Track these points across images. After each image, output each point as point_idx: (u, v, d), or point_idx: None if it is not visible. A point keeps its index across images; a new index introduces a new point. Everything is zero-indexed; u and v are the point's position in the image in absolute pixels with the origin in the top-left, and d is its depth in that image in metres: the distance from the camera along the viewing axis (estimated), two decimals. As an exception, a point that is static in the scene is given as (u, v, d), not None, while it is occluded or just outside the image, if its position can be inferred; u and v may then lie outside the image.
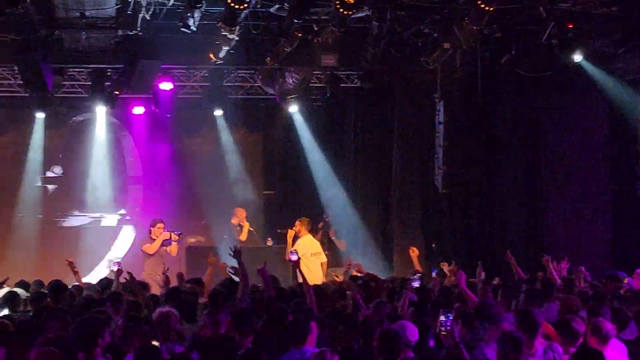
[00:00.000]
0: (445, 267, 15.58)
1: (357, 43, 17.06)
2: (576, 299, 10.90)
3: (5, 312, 11.62)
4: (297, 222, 17.90)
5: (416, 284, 12.02)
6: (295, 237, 17.62)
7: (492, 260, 17.90)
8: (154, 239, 17.59)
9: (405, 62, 17.92)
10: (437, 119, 18.00)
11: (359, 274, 14.81)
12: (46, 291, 12.17)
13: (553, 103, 19.60)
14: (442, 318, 8.53)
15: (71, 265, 13.45)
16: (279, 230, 18.89)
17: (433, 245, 19.96)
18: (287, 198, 21.75)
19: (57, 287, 12.09)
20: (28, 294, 12.59)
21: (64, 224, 21.25)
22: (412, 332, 8.64)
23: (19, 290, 12.83)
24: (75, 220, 21.38)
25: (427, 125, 19.31)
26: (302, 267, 16.81)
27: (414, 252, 15.96)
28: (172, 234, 17.70)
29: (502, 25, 16.60)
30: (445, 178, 17.88)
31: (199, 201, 21.62)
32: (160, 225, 17.77)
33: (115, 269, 13.05)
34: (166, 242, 17.64)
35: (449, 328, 8.38)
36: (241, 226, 19.26)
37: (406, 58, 17.69)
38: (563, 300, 10.91)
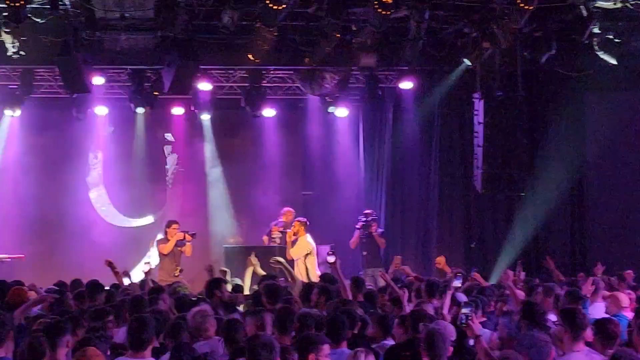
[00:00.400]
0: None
1: (396, 43, 17.01)
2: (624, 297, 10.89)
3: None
4: (296, 223, 18.12)
5: (457, 283, 11.93)
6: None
7: (534, 260, 17.79)
8: (169, 240, 17.90)
9: (444, 61, 17.84)
10: (477, 118, 17.87)
11: (409, 275, 14.76)
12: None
13: (595, 102, 19.44)
14: (465, 310, 8.47)
15: (111, 265, 13.47)
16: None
17: (472, 245, 19.87)
18: (326, 198, 21.72)
19: (95, 286, 12.15)
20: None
21: (105, 224, 21.38)
22: (451, 332, 8.61)
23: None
24: (116, 219, 21.52)
25: (466, 125, 19.23)
26: (301, 266, 17.18)
27: (441, 261, 15.89)
28: (186, 234, 17.99)
29: (542, 24, 16.46)
30: (485, 178, 17.75)
31: (237, 202, 21.69)
32: (175, 226, 18.09)
33: (147, 269, 13.16)
34: (180, 243, 17.90)
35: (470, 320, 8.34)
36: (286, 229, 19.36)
37: (445, 57, 17.61)
38: (611, 296, 10.92)
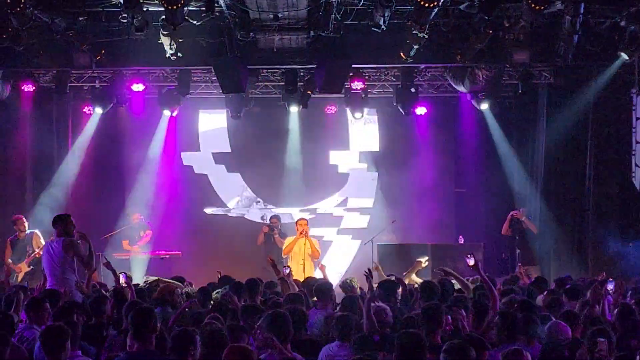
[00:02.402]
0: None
1: (549, 38, 16.73)
2: None
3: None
4: (303, 222, 18.01)
5: (611, 287, 11.69)
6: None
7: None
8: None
9: (600, 56, 17.44)
10: (634, 114, 17.42)
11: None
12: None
13: None
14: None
15: (273, 263, 13.66)
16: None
17: (630, 245, 19.35)
18: (478, 196, 21.56)
19: (254, 284, 12.33)
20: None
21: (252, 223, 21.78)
22: (565, 332, 8.62)
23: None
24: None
25: (623, 122, 18.75)
26: (307, 266, 17.06)
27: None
28: (268, 228, 19.37)
29: None
30: (644, 176, 17.30)
31: (390, 199, 21.79)
32: (273, 220, 19.69)
33: (287, 272, 13.32)
34: (267, 236, 19.33)
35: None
36: None
37: (601, 52, 17.21)
38: None
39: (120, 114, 20.83)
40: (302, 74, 18.98)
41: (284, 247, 17.95)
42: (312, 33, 16.36)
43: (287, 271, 13.30)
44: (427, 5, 14.06)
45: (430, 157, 21.68)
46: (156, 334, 7.84)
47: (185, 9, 14.27)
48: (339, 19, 15.72)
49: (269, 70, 19.40)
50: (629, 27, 16.00)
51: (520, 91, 19.09)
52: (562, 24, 15.62)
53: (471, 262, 10.98)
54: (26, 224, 18.02)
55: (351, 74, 18.14)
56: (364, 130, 22.12)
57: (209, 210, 21.92)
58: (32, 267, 17.55)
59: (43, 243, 17.05)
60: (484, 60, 17.46)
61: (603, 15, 16.02)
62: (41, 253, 16.22)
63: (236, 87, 17.40)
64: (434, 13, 14.66)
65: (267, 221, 20.11)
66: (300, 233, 17.67)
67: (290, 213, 21.54)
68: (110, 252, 18.97)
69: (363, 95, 19.99)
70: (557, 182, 20.32)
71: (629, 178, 18.13)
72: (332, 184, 22.20)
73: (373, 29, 15.64)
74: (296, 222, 18.29)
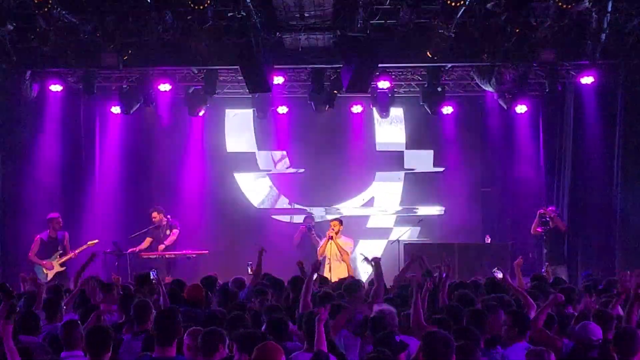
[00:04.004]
0: None
1: (576, 37, 16.64)
2: None
3: None
4: (336, 222, 18.06)
5: None
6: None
7: None
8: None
9: (628, 54, 17.34)
10: (664, 113, 17.28)
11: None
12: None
13: None
14: None
15: (300, 266, 13.65)
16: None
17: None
18: (505, 195, 21.49)
19: (277, 284, 12.33)
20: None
21: (283, 224, 21.80)
22: (595, 332, 8.58)
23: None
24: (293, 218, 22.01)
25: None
26: (342, 265, 17.08)
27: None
28: (306, 228, 19.80)
29: None
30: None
31: (415, 200, 21.77)
32: (308, 220, 20.21)
33: (316, 277, 13.34)
34: (304, 235, 19.81)
35: None
36: None
37: (629, 51, 17.11)
38: None
39: (147, 114, 20.90)
40: (328, 73, 18.99)
41: (318, 248, 18.20)
42: (338, 32, 16.35)
43: (315, 276, 13.32)
44: (453, 4, 14.04)
45: (457, 157, 21.64)
46: (179, 338, 7.67)
47: (212, 9, 14.30)
48: (365, 18, 15.70)
49: (295, 70, 19.40)
50: (657, 24, 15.92)
51: (547, 90, 19.00)
52: (589, 22, 15.54)
53: (499, 275, 11.00)
54: (61, 223, 18.21)
55: (377, 73, 18.11)
56: (390, 130, 22.09)
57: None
58: (64, 267, 17.66)
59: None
60: (511, 59, 17.39)
61: (630, 14, 15.93)
62: (76, 254, 16.76)
63: (262, 87, 17.42)
64: (460, 12, 14.63)
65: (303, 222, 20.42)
66: (328, 234, 18.01)
67: (317, 213, 21.55)
68: (136, 251, 19.08)
69: (389, 95, 19.97)
70: (585, 183, 20.14)
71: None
72: (359, 184, 22.18)
73: (399, 28, 15.62)
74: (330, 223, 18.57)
